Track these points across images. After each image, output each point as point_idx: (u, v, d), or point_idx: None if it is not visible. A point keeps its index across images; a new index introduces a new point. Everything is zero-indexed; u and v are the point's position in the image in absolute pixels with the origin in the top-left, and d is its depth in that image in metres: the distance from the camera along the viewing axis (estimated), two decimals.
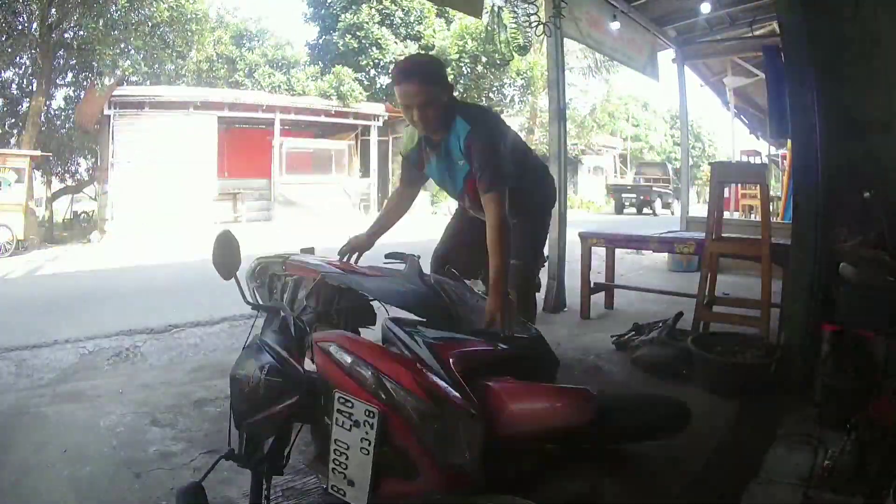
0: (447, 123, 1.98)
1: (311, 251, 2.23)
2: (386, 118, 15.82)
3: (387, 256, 2.13)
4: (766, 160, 8.98)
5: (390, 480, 1.27)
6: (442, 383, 1.26)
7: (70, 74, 14.11)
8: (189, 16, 14.03)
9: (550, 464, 1.62)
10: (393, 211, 2.36)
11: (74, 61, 13.39)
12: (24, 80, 13.65)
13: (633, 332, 3.18)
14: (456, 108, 2.00)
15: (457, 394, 1.25)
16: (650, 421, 1.67)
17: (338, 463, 1.29)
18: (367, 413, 1.24)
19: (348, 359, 1.31)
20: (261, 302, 1.68)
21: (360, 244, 2.22)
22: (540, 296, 4.39)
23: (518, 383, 1.36)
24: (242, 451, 1.37)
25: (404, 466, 1.25)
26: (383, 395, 1.25)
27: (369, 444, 1.24)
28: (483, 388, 1.31)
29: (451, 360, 1.32)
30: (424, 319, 1.61)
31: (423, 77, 1.91)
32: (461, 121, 1.97)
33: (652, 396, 1.85)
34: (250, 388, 1.35)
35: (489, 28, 4.77)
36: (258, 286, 2.14)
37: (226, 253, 1.53)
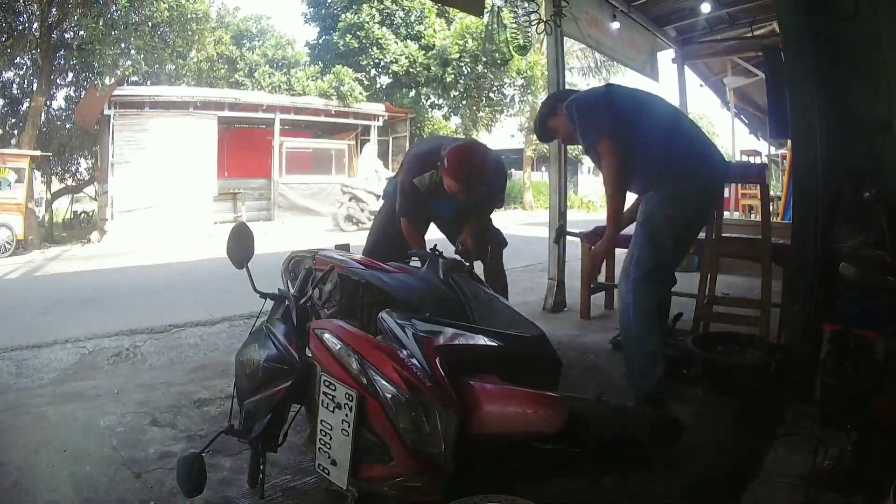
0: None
1: (345, 248, 2.30)
2: (386, 118, 15.81)
3: (410, 254, 2.24)
4: (766, 160, 8.97)
5: (369, 463, 1.33)
6: (421, 375, 1.30)
7: (70, 74, 14.08)
8: (189, 16, 14.02)
9: (531, 466, 1.62)
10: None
11: (74, 61, 13.35)
12: (25, 80, 13.64)
13: None
14: None
15: (433, 386, 1.28)
16: (633, 434, 1.67)
17: (323, 443, 1.36)
18: (346, 396, 1.31)
19: (338, 345, 1.38)
20: (293, 292, 1.75)
21: None
22: (540, 295, 4.42)
23: (498, 384, 1.37)
24: (242, 428, 1.49)
25: (381, 451, 1.31)
26: (364, 381, 1.31)
27: (349, 426, 1.30)
28: (465, 385, 1.33)
29: (437, 353, 1.35)
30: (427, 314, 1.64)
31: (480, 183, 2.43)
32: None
33: (640, 410, 1.86)
34: (251, 371, 1.50)
35: (489, 27, 4.76)
36: (292, 278, 2.22)
37: (240, 244, 1.66)
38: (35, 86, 12.71)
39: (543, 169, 22.48)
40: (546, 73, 5.66)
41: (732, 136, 9.34)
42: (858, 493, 1.57)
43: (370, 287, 1.88)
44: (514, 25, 4.62)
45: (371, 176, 11.96)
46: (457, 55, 16.60)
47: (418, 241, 2.63)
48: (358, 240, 3.30)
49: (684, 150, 2.28)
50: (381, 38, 16.79)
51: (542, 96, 17.70)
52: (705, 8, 5.36)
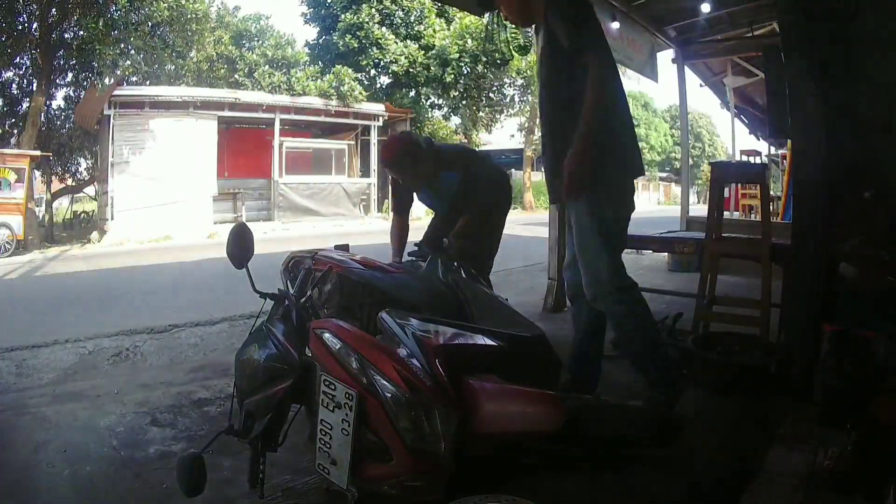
0: (433, 177, 2.69)
1: (345, 248, 2.31)
2: (386, 118, 15.81)
3: (409, 254, 2.27)
4: (766, 160, 8.97)
5: (369, 462, 1.33)
6: (420, 374, 1.30)
7: (70, 74, 14.07)
8: (189, 16, 14.05)
9: (531, 464, 1.62)
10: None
11: (74, 61, 13.33)
12: (24, 80, 13.63)
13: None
14: (438, 163, 2.69)
15: (432, 385, 1.29)
16: (633, 434, 1.67)
17: (323, 442, 1.36)
18: (346, 395, 1.30)
19: (337, 344, 1.37)
20: (292, 292, 1.75)
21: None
22: (540, 295, 4.41)
23: (497, 383, 1.37)
24: (242, 428, 1.48)
25: (381, 450, 1.31)
26: (364, 381, 1.30)
27: (349, 426, 1.30)
28: (464, 384, 1.33)
29: (436, 353, 1.35)
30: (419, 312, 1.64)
31: (400, 166, 2.67)
32: (446, 174, 2.70)
33: (639, 408, 1.85)
34: (251, 370, 1.50)
35: (489, 27, 4.77)
36: (292, 278, 2.22)
37: (239, 244, 1.65)
38: (35, 86, 12.72)
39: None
40: None
41: (732, 136, 9.35)
42: (858, 493, 1.57)
43: (370, 287, 1.89)
44: (514, 25, 4.63)
45: None
46: (457, 55, 16.61)
47: (395, 238, 2.80)
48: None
49: (632, 138, 2.10)
50: (380, 38, 16.81)
51: None
52: (705, 8, 5.35)
